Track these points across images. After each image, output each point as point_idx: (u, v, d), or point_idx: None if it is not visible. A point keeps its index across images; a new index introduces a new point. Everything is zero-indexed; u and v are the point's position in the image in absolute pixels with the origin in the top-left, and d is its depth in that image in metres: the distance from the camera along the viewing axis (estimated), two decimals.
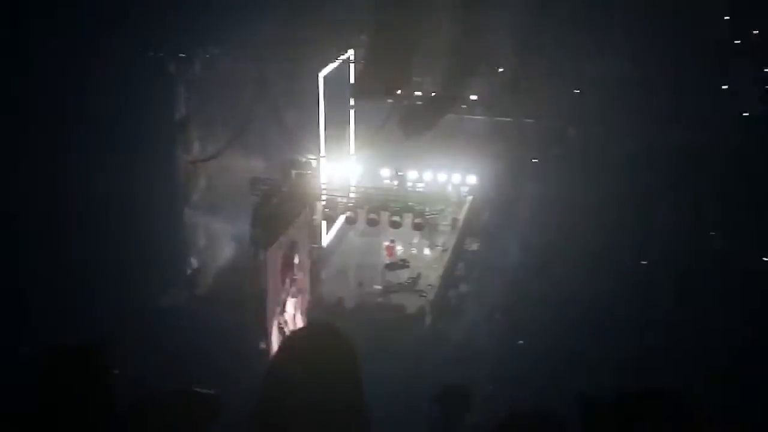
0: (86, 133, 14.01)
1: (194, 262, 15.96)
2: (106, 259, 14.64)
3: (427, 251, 17.17)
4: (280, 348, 2.62)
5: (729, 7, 16.13)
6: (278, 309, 12.71)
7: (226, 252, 15.99)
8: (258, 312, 12.54)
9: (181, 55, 14.79)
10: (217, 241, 15.93)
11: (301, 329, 2.72)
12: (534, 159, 19.30)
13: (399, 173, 18.60)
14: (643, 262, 16.11)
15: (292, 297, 13.25)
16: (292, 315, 13.19)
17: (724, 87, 16.79)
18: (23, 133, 13.64)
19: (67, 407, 2.57)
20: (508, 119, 18.62)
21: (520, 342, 15.03)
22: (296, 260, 13.65)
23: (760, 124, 16.36)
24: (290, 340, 2.77)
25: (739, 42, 16.60)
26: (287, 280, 13.16)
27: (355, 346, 2.62)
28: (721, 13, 16.34)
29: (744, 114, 16.68)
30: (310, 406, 2.42)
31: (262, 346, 12.07)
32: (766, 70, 16.61)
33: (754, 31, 16.72)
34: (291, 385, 2.46)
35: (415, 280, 15.98)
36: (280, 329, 12.57)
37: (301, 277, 13.87)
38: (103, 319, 11.08)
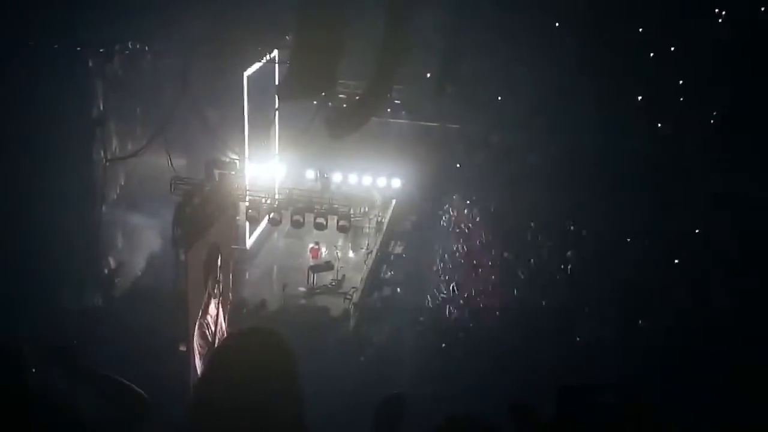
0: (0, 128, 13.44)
1: (112, 261, 15.47)
2: (19, 259, 14.06)
3: (351, 254, 17.16)
4: (216, 350, 2.53)
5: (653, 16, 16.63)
6: (200, 310, 12.41)
7: (145, 252, 15.57)
8: (179, 313, 12.22)
9: (100, 49, 14.31)
10: (136, 240, 15.49)
11: (238, 332, 2.62)
12: (457, 164, 19.53)
13: (324, 175, 18.53)
14: (563, 266, 16.49)
15: (215, 298, 12.97)
16: (215, 316, 12.91)
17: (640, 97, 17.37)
18: None
19: None
20: (434, 124, 18.80)
21: (443, 345, 15.15)
22: (219, 261, 13.37)
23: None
24: (227, 342, 2.67)
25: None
26: (209, 282, 12.88)
27: (293, 351, 2.55)
28: (643, 22, 16.85)
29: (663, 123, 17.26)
30: (246, 411, 2.33)
31: (182, 348, 11.77)
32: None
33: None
34: (228, 389, 2.36)
35: (339, 282, 15.93)
36: (202, 332, 12.28)
37: (224, 278, 13.60)
38: (18, 320, 10.63)
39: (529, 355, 13.69)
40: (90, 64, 14.35)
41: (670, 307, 14.77)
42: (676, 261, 15.79)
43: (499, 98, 19.56)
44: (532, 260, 16.76)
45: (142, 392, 2.92)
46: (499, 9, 17.14)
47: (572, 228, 16.72)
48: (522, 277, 16.38)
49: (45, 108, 13.54)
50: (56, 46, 13.76)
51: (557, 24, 17.36)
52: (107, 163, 14.62)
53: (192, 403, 2.38)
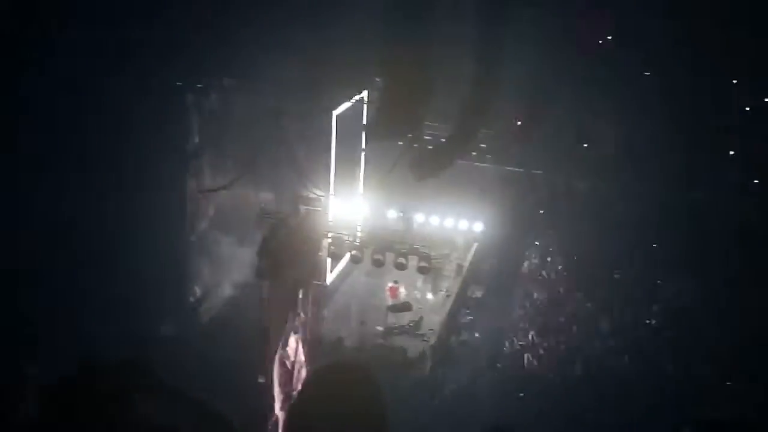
0: (99, 156, 14.07)
1: (197, 291, 15.86)
2: (110, 284, 14.55)
3: (430, 295, 17.07)
4: (306, 382, 2.55)
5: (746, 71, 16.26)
6: (280, 342, 12.56)
7: (230, 283, 15.90)
8: (260, 344, 12.40)
9: (198, 85, 14.89)
10: (221, 271, 15.85)
11: (328, 365, 2.64)
12: (541, 210, 19.35)
13: (406, 215, 18.58)
14: (648, 321, 16.00)
15: (294, 333, 13.11)
16: (294, 350, 13.03)
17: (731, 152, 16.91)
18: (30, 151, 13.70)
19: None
20: (518, 169, 18.71)
21: (521, 394, 14.83)
22: (300, 296, 13.54)
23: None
24: (317, 374, 2.69)
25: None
26: (291, 314, 13.04)
27: (383, 389, 2.56)
28: (736, 76, 16.49)
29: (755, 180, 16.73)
30: None
31: (261, 379, 11.91)
32: None
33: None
34: (319, 419, 2.39)
35: (417, 323, 15.84)
36: (282, 363, 12.40)
37: (305, 312, 13.75)
38: (106, 344, 10.96)
39: (606, 413, 13.26)
40: (188, 98, 14.91)
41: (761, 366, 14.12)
42: None
43: (585, 145, 19.36)
44: (614, 312, 16.34)
45: (232, 420, 2.97)
46: (589, 58, 17.05)
47: (659, 282, 16.24)
48: (604, 329, 15.96)
49: (143, 139, 14.14)
50: (156, 80, 14.38)
51: (647, 73, 17.14)
52: (199, 195, 15.06)
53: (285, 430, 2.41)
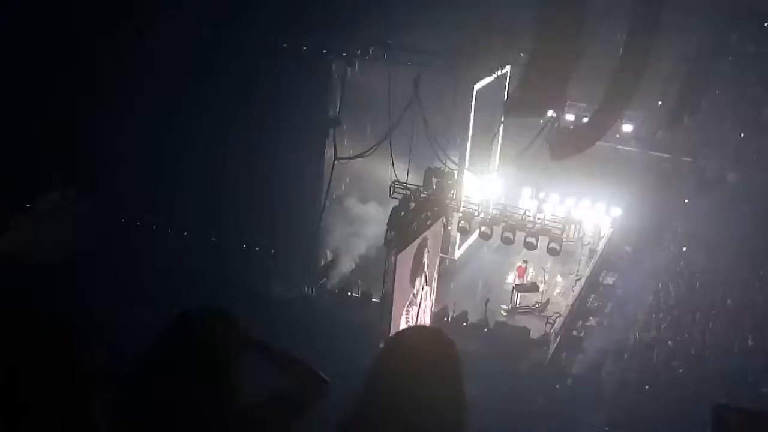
0: (247, 122, 14.72)
1: (329, 254, 16.33)
2: (247, 248, 15.34)
3: (559, 278, 16.75)
4: (388, 344, 2.58)
5: None
6: (403, 311, 12.77)
7: (360, 249, 16.25)
8: (383, 311, 12.66)
9: (343, 53, 15.15)
10: (352, 237, 16.22)
11: (409, 329, 2.67)
12: (686, 200, 18.45)
13: (540, 194, 18.27)
14: None
15: (416, 304, 13.28)
16: (415, 319, 13.22)
17: None
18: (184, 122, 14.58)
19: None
20: (665, 155, 17.91)
21: (646, 387, 14.28)
22: (426, 267, 13.67)
23: None
24: (398, 338, 2.72)
25: None
26: (416, 285, 13.20)
27: (461, 355, 2.56)
28: None
29: None
30: (411, 407, 2.39)
31: (382, 345, 12.14)
32: None
33: None
34: (395, 383, 2.44)
35: (543, 305, 15.62)
36: None
37: (429, 284, 13.88)
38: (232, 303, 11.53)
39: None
40: (333, 67, 15.23)
41: None
42: None
43: (742, 135, 18.25)
44: (756, 311, 15.38)
45: (326, 378, 3.03)
46: (751, 42, 15.98)
47: None
48: (744, 327, 15.07)
49: (287, 105, 14.62)
50: (305, 48, 14.79)
51: None
52: (336, 162, 15.41)
53: (359, 393, 2.47)
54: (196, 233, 15.99)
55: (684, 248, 17.43)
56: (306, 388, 2.94)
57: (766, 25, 16.24)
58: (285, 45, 14.74)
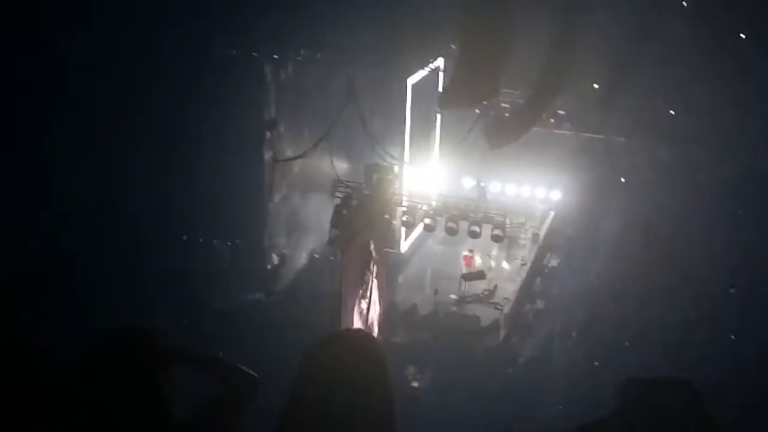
0: (179, 127, 14.52)
1: (275, 258, 16.27)
2: (189, 253, 15.09)
3: (505, 264, 17.00)
4: (312, 348, 2.57)
5: None
6: (353, 310, 12.80)
7: (305, 250, 16.24)
8: (333, 311, 12.68)
9: (274, 56, 15.12)
10: (297, 239, 16.20)
11: (334, 333, 2.69)
12: (622, 179, 18.85)
13: (481, 183, 18.49)
14: (731, 290, 15.47)
15: (367, 299, 13.33)
16: (365, 317, 13.27)
17: None
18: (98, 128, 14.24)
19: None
20: (598, 136, 18.26)
21: (595, 363, 14.65)
22: (373, 263, 13.73)
23: None
24: (322, 342, 2.71)
25: None
26: (363, 283, 13.25)
27: (385, 355, 2.59)
28: None
29: None
30: (337, 411, 2.41)
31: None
32: None
33: None
34: (320, 386, 2.45)
35: (491, 292, 15.83)
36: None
37: (377, 280, 13.94)
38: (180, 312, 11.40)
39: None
40: (265, 70, 15.17)
41: None
42: None
43: (672, 112, 18.70)
44: (697, 284, 15.84)
45: (253, 373, 3.03)
46: (678, 20, 16.40)
47: (742, 252, 15.65)
48: (684, 302, 15.53)
49: (221, 110, 14.49)
50: (234, 52, 14.68)
51: (743, 36, 16.34)
52: (276, 164, 15.36)
53: (286, 400, 2.47)
54: (137, 246, 15.71)
55: (625, 228, 17.82)
56: (236, 386, 2.94)
57: (684, 4, 16.65)
58: (215, 51, 14.62)
